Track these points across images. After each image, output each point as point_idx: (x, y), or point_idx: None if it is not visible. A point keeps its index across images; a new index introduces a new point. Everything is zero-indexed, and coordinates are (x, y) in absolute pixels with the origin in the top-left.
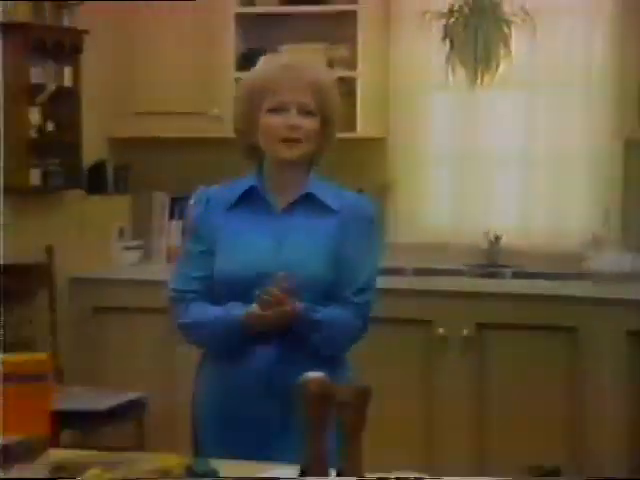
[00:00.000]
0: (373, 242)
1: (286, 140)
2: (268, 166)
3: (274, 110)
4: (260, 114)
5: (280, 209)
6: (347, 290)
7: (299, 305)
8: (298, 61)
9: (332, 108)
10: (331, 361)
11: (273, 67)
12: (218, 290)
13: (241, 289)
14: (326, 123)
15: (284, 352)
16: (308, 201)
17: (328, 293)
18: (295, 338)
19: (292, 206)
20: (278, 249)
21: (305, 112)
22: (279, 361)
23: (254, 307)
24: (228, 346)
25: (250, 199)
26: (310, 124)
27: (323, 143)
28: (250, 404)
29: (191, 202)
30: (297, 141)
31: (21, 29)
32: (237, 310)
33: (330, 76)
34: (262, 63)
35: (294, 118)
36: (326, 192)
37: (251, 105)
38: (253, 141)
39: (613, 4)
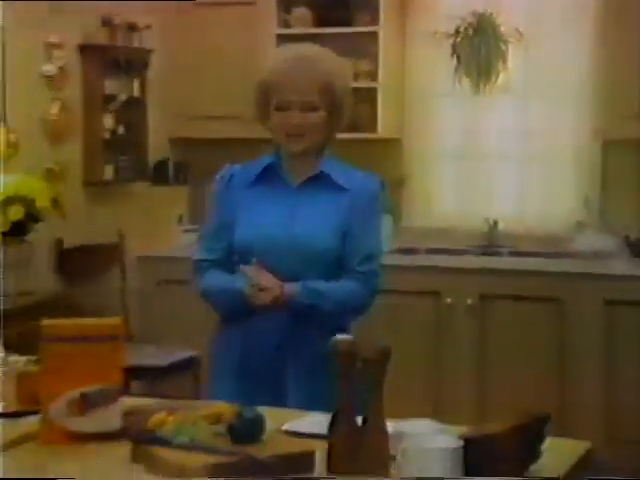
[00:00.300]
0: (377, 216)
1: (290, 135)
2: (283, 151)
3: (279, 108)
4: (270, 109)
5: (295, 185)
6: (353, 261)
7: (290, 285)
8: (305, 54)
9: (339, 98)
10: (339, 332)
11: (280, 64)
12: (237, 259)
13: (256, 258)
14: (333, 113)
15: (294, 324)
16: (321, 179)
17: (337, 265)
18: (302, 311)
19: (306, 183)
20: (291, 221)
21: (309, 108)
22: (290, 331)
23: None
24: (235, 313)
25: (269, 176)
26: (314, 118)
27: (331, 130)
28: (262, 373)
29: (217, 177)
30: (301, 136)
31: (98, 50)
32: (239, 283)
33: (338, 64)
34: (271, 59)
35: (296, 117)
36: (338, 172)
37: (262, 102)
38: (268, 129)
39: (595, 19)
